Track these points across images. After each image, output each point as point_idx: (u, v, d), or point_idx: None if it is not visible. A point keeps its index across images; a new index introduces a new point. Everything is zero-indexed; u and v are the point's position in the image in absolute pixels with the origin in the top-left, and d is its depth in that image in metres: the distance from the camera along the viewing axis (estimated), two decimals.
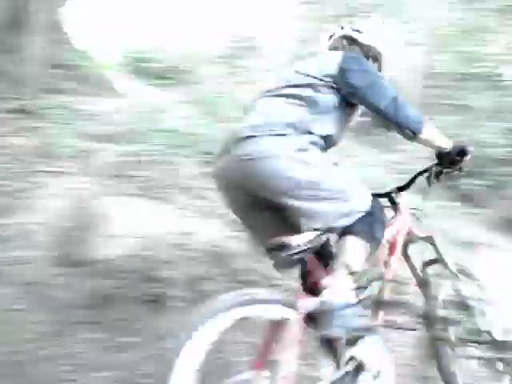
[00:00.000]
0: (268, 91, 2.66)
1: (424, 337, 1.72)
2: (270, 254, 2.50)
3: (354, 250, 2.40)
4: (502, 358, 2.35)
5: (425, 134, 2.53)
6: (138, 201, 5.01)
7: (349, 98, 2.57)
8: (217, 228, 4.91)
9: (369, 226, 2.44)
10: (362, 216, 2.44)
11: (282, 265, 2.50)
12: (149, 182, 5.27)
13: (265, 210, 2.48)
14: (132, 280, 4.24)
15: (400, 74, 16.71)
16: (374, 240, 2.46)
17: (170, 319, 4.07)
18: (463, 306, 2.05)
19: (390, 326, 2.07)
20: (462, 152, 2.67)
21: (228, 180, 2.51)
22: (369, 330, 2.38)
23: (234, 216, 2.71)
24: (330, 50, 2.98)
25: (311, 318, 2.30)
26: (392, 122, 2.52)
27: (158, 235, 4.62)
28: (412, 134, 2.52)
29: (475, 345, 2.17)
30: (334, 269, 2.41)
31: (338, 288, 2.34)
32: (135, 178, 5.32)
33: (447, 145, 2.67)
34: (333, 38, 3.02)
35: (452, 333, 2.25)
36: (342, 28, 3.00)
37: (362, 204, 2.46)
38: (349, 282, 2.40)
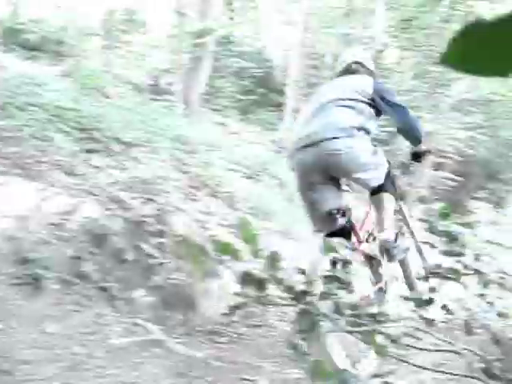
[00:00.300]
0: (328, 102, 3.75)
1: (299, 311, 1.74)
2: (324, 218, 3.73)
3: (388, 201, 3.85)
4: (378, 330, 2.46)
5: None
6: (9, 179, 4.76)
7: (384, 112, 3.84)
8: (94, 207, 4.76)
9: (390, 181, 3.88)
10: (385, 176, 3.82)
11: (328, 228, 3.74)
12: (21, 158, 5.02)
13: (330, 186, 3.75)
14: (4, 262, 4.03)
15: (283, 54, 16.96)
16: (394, 191, 3.93)
17: (45, 301, 3.92)
18: (338, 279, 2.09)
19: (268, 302, 2.07)
20: (428, 151, 4.04)
21: (312, 166, 3.64)
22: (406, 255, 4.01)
23: (301, 194, 3.85)
24: (347, 71, 4.10)
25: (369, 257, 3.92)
26: (409, 130, 3.92)
27: (32, 215, 4.42)
28: (418, 141, 3.93)
29: (350, 318, 2.24)
30: (381, 216, 3.84)
31: (389, 229, 3.83)
32: (7, 155, 5.05)
33: (425, 147, 3.99)
34: (345, 62, 4.15)
35: (326, 306, 2.32)
36: (353, 55, 4.21)
37: (385, 168, 3.85)
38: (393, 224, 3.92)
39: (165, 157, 6.49)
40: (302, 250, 6.39)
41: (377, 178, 3.77)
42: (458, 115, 13.42)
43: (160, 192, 5.44)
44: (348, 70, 4.12)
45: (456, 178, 13.21)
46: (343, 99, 3.72)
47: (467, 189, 14.73)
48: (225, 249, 2.00)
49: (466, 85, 12.99)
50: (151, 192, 5.34)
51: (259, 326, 4.72)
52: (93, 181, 5.14)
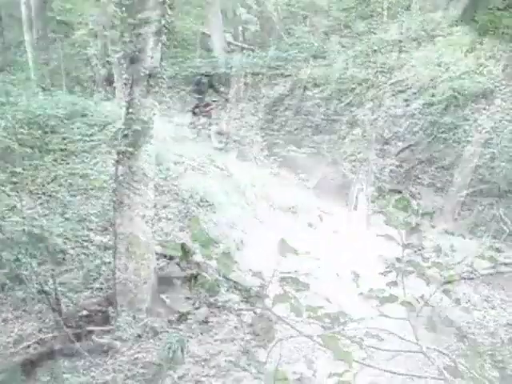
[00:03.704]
0: None
1: (254, 315, 1.62)
2: None
3: None
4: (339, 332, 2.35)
5: None
6: None
7: None
8: (31, 206, 4.50)
9: None
10: None
11: None
12: None
13: None
14: None
15: None
16: None
17: None
18: (297, 281, 1.98)
19: (221, 306, 1.94)
20: None
21: None
22: None
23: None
24: None
25: None
26: None
27: None
28: None
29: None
30: None
31: None
32: None
33: None
34: None
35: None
36: None
37: None
38: None
39: None
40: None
41: None
42: None
43: None
44: None
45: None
46: None
47: (410, 175, 14.79)
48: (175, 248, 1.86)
49: None
50: None
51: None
52: (27, 178, 4.89)
